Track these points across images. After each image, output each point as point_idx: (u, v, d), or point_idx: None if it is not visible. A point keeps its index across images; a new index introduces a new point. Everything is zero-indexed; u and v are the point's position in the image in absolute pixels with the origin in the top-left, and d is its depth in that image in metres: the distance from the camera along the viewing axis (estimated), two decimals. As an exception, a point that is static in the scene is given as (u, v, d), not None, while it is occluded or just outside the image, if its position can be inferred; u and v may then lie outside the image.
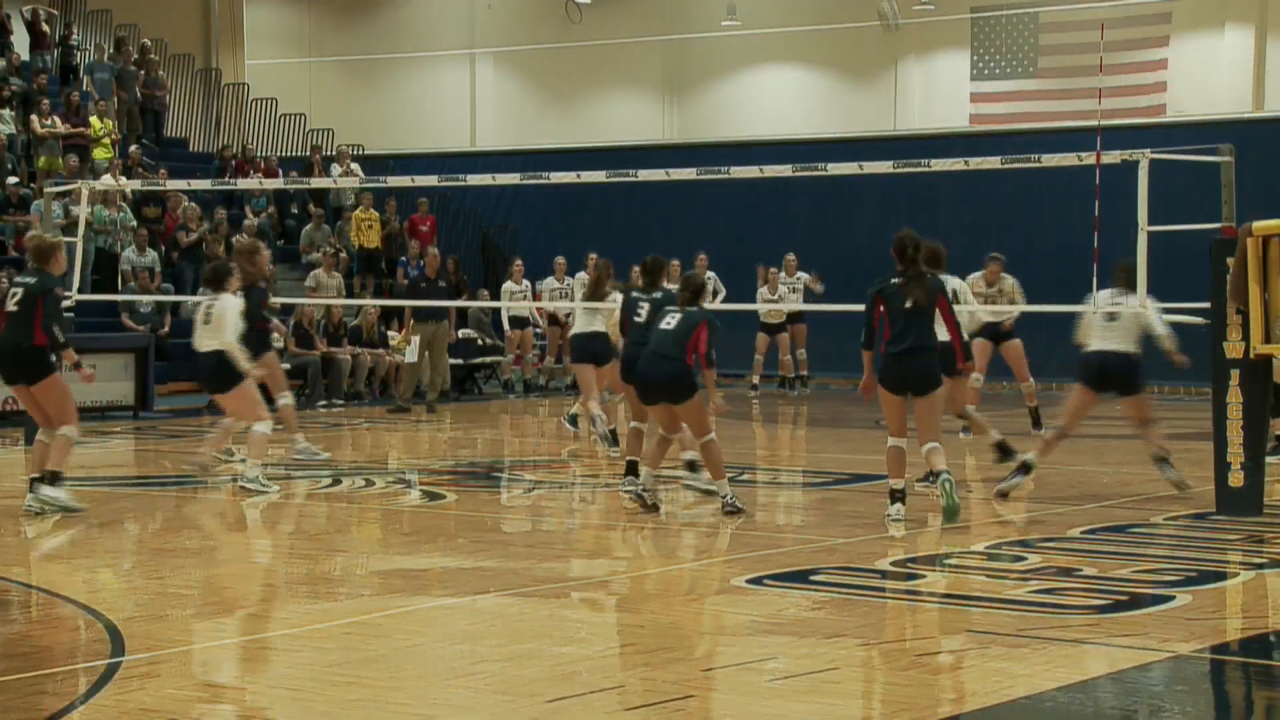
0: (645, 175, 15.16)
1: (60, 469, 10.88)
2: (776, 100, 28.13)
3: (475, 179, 19.06)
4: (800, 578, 8.68)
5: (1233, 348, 10.86)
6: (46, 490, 10.81)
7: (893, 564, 9.17)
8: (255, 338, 12.85)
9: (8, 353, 10.93)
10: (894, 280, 10.48)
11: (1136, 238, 11.57)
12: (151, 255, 21.81)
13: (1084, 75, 24.01)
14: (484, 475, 13.38)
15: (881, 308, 10.41)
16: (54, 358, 10.96)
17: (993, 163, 14.15)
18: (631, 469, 11.18)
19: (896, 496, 10.49)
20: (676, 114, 29.30)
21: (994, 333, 16.15)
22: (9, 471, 14.28)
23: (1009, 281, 16.12)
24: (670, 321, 10.55)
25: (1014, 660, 6.76)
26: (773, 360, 23.15)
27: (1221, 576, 9.02)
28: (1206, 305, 11.13)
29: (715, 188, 23.76)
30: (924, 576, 8.89)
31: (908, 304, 10.33)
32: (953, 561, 9.30)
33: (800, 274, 22.72)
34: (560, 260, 22.75)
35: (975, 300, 15.05)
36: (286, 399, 13.93)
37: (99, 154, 23.50)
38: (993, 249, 16.67)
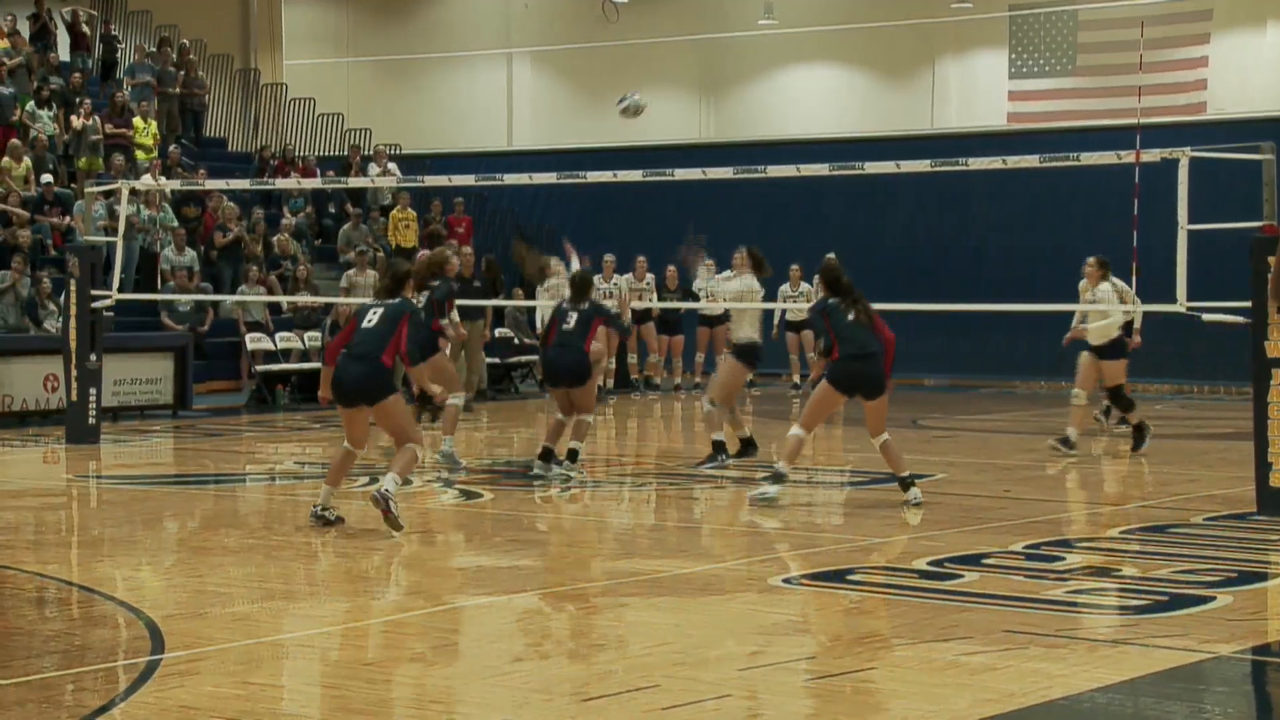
0: (681, 175, 15.16)
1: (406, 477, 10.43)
2: (813, 99, 28.08)
3: (511, 178, 19.09)
4: (837, 577, 8.67)
5: (1273, 347, 10.78)
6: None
7: (930, 564, 9.14)
8: (425, 338, 12.71)
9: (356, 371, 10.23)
10: (831, 301, 11.39)
11: (1176, 237, 11.51)
12: (190, 255, 21.92)
13: (1123, 73, 23.89)
14: (520, 474, 13.39)
15: (828, 323, 11.45)
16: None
17: (1031, 161, 14.11)
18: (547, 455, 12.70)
19: (779, 478, 11.24)
20: (713, 113, 29.29)
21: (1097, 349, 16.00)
22: (33, 470, 14.39)
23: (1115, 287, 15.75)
24: (571, 320, 12.60)
25: (1052, 661, 6.73)
26: (803, 360, 23.28)
27: (1262, 577, 8.95)
28: (1247, 304, 11.06)
29: (751, 187, 23.73)
30: (961, 576, 8.86)
31: (850, 317, 11.30)
32: (991, 561, 9.27)
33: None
34: (609, 258, 22.69)
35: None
36: (456, 400, 13.73)
37: (140, 154, 23.65)
38: (1028, 247, 16.53)
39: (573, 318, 12.68)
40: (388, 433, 10.57)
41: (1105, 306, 14.43)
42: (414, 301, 10.92)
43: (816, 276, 12.05)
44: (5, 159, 21.71)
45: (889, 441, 11.39)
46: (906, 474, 11.38)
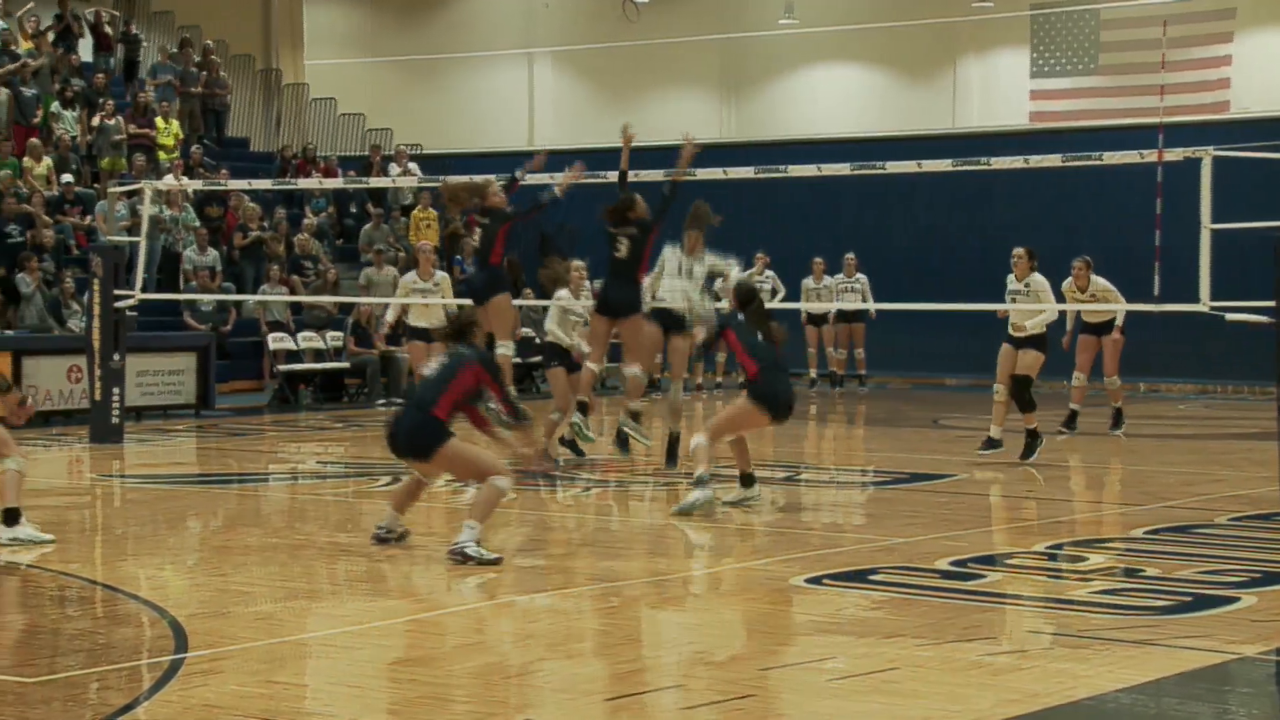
0: (702, 174, 15.15)
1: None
2: (834, 99, 28.05)
3: (533, 178, 19.07)
4: (859, 577, 8.66)
5: (1297, 347, 10.74)
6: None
7: (952, 564, 9.13)
8: (485, 279, 13.05)
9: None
10: (740, 316, 11.11)
11: (1199, 236, 11.47)
12: (212, 254, 21.99)
13: (1146, 72, 23.80)
14: (542, 473, 13.38)
15: (734, 338, 11.05)
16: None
17: (1053, 161, 14.06)
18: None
19: (702, 482, 10.77)
20: (734, 113, 29.27)
21: (1094, 327, 15.91)
22: (58, 469, 14.44)
23: (1100, 284, 15.70)
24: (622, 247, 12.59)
25: (1076, 661, 6.71)
26: (822, 359, 23.28)
27: (1286, 578, 8.92)
28: (1271, 304, 11.02)
29: (772, 187, 23.72)
30: (984, 576, 8.84)
31: (759, 336, 10.97)
32: (1014, 562, 9.25)
33: (860, 276, 22.70)
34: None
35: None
36: (505, 349, 13.37)
37: (162, 154, 23.73)
38: (1050, 247, 16.40)
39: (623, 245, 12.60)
40: (459, 479, 10.13)
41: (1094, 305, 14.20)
42: (483, 350, 9.75)
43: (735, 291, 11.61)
44: (26, 159, 21.81)
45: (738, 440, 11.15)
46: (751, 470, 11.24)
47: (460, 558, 8.80)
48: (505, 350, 12.83)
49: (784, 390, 10.91)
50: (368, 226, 24.69)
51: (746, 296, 11.16)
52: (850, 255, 22.90)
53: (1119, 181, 21.69)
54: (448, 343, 9.55)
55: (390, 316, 17.27)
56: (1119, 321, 15.76)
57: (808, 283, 22.63)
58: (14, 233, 20.52)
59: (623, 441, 12.72)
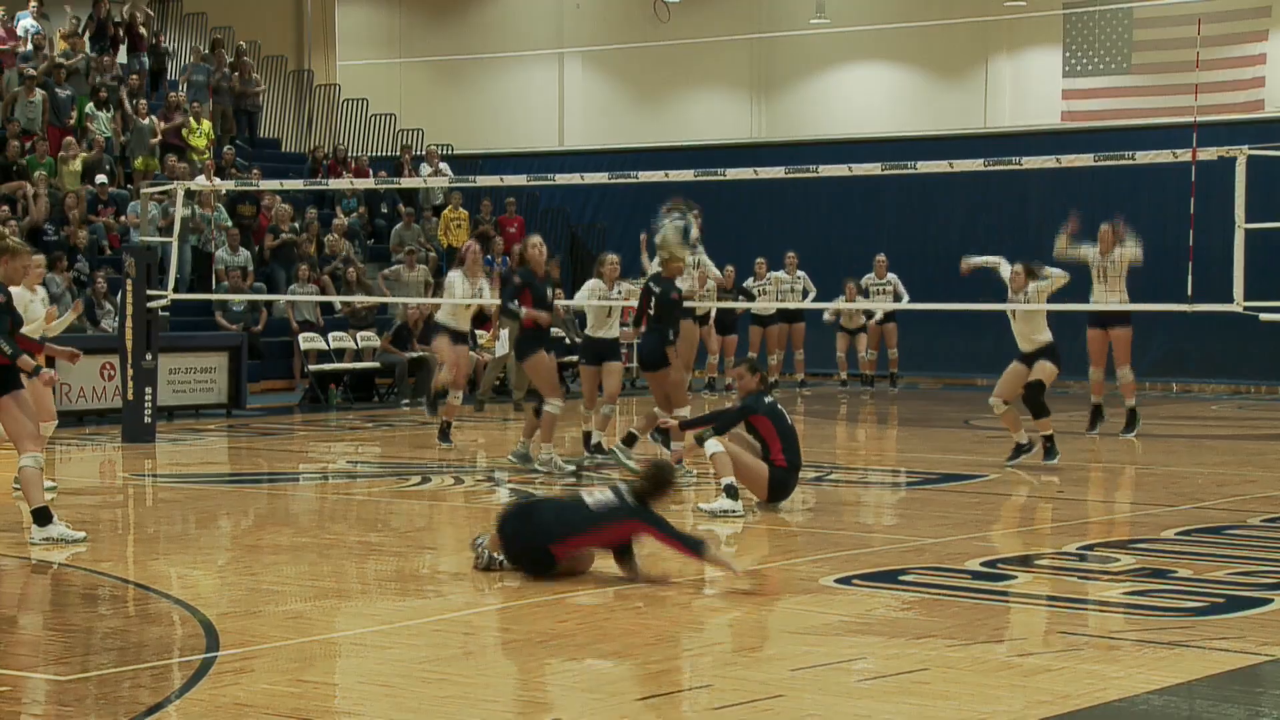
0: (733, 174, 15.14)
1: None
2: (865, 98, 28.00)
3: (563, 178, 19.11)
4: (889, 578, 8.63)
5: (1332, 347, 10.67)
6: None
7: (983, 564, 9.09)
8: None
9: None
10: (767, 400, 11.09)
11: (1233, 236, 11.40)
12: (244, 254, 22.08)
13: (1179, 71, 23.70)
14: (572, 473, 13.38)
15: (769, 424, 10.96)
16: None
17: (1085, 160, 13.99)
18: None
19: (733, 491, 10.84)
20: (764, 112, 29.24)
21: (1102, 320, 15.66)
22: (90, 469, 14.51)
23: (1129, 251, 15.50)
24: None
25: (1107, 663, 6.68)
26: (852, 359, 23.33)
27: (1320, 579, 8.86)
28: (1305, 304, 10.96)
29: (803, 186, 23.71)
30: (1015, 577, 8.81)
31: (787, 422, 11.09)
32: (1045, 562, 9.21)
33: (890, 276, 22.64)
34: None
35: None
36: (553, 408, 13.29)
37: (194, 155, 23.84)
38: (1085, 246, 16.26)
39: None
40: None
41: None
42: (646, 508, 8.56)
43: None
44: (62, 153, 21.95)
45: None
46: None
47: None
48: (552, 409, 13.12)
49: (792, 486, 11.12)
50: (399, 227, 24.76)
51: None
52: (881, 256, 22.84)
53: (1152, 181, 21.59)
54: (645, 497, 8.47)
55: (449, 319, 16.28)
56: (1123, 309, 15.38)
57: (840, 300, 22.44)
58: (49, 231, 20.66)
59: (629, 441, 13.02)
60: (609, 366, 13.72)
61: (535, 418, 13.40)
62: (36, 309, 11.49)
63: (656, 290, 12.54)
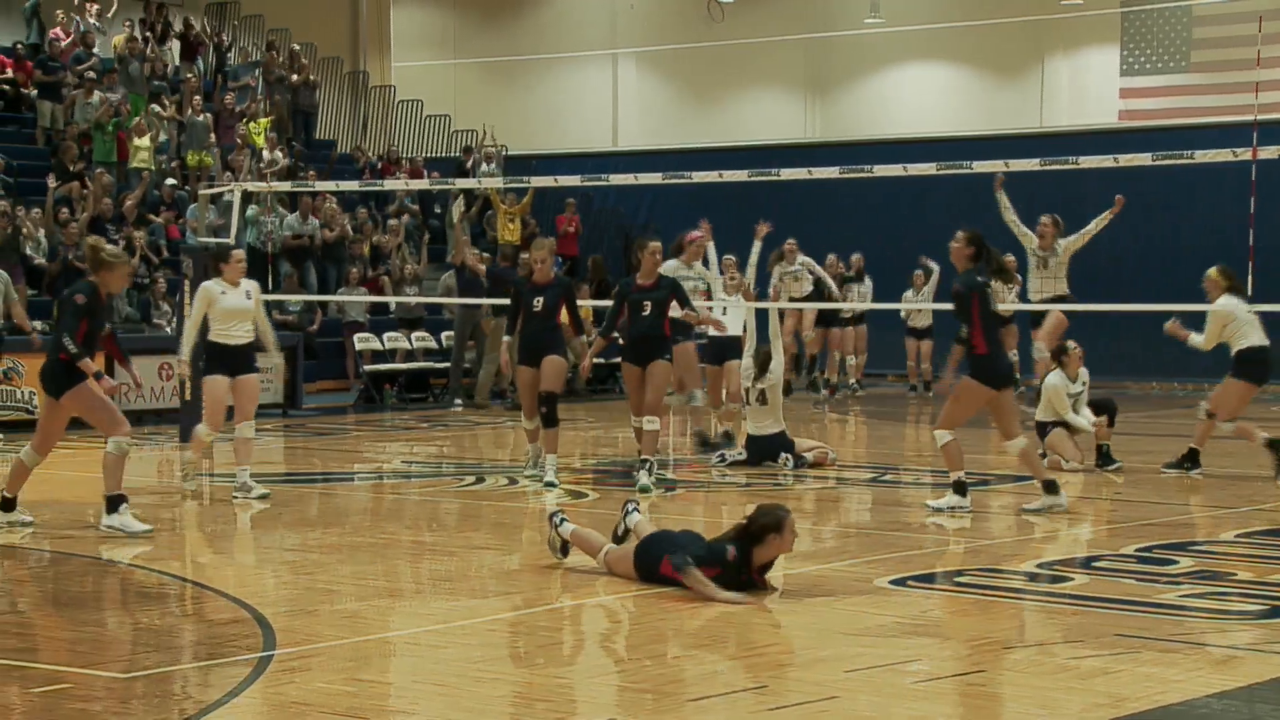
0: (788, 174, 15.11)
1: None
2: (920, 98, 27.88)
3: (618, 178, 19.14)
4: (944, 579, 8.59)
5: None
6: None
7: (1039, 566, 9.03)
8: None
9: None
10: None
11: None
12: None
13: (1239, 69, 23.48)
14: (624, 474, 13.39)
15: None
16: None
17: (1143, 160, 13.87)
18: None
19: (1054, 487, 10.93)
20: (819, 112, 29.16)
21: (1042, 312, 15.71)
22: (148, 468, 14.61)
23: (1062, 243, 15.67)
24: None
25: (1166, 665, 6.62)
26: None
27: (1383, 583, 8.75)
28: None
29: (858, 186, 23.59)
30: (1071, 579, 8.74)
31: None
32: (1102, 564, 9.14)
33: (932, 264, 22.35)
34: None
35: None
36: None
37: (257, 143, 24.05)
38: (1142, 245, 16.17)
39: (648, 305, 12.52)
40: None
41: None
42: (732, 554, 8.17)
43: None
44: (134, 140, 22.19)
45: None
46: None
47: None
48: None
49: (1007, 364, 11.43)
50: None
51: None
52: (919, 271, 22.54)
53: (1209, 181, 21.39)
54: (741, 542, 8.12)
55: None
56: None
57: (908, 295, 22.06)
58: (110, 231, 20.85)
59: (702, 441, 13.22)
60: (730, 365, 14.02)
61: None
62: (238, 301, 11.98)
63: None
